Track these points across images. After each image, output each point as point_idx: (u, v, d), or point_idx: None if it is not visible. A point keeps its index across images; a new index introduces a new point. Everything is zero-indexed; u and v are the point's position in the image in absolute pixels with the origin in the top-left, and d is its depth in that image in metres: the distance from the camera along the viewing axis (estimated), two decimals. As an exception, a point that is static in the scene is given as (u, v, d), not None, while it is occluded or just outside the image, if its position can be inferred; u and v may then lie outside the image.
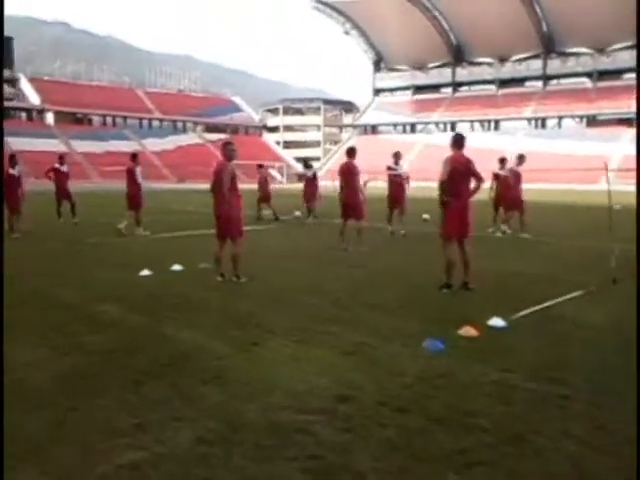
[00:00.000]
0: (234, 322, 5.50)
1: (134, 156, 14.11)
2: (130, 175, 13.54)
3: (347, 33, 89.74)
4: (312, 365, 4.28)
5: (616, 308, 6.16)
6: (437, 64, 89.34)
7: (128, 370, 4.20)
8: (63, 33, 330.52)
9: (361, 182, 10.88)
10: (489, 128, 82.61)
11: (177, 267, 8.35)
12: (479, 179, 6.92)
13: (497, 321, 5.44)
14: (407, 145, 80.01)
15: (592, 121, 73.94)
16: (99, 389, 3.85)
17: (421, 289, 7.16)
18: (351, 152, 10.87)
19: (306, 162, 18.66)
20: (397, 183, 13.26)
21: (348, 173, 10.52)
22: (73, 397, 3.72)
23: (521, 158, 13.77)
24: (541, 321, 5.66)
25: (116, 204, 24.18)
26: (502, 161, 14.38)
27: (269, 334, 5.10)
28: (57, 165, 16.19)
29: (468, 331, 5.11)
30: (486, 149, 72.12)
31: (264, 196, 17.21)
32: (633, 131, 66.32)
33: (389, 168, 13.38)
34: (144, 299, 6.45)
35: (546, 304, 6.24)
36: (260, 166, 18.48)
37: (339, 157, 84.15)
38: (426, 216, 16.97)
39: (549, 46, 79.85)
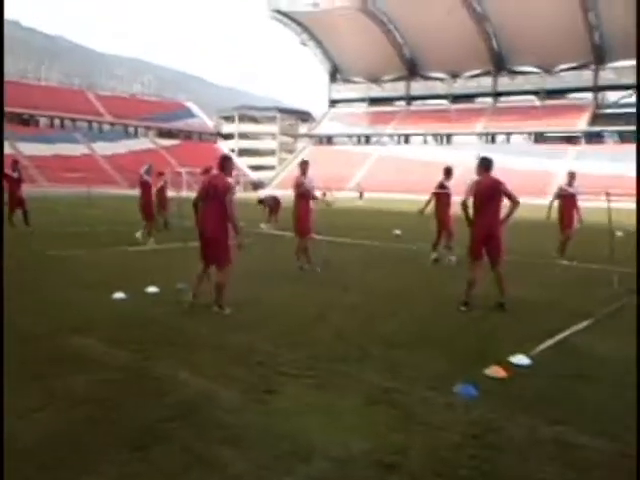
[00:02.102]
0: (234, 360, 4.90)
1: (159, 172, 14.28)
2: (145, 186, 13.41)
3: (304, 44, 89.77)
4: (342, 420, 3.75)
5: (628, 338, 5.91)
6: (392, 77, 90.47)
7: (126, 427, 3.56)
8: (11, 31, 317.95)
9: (317, 194, 10.46)
10: (442, 142, 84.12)
11: (152, 289, 7.65)
12: (513, 201, 6.98)
13: (521, 359, 5.07)
14: (361, 156, 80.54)
15: (539, 138, 76.33)
16: (92, 458, 3.18)
17: (422, 316, 6.74)
18: (304, 165, 10.16)
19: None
20: (445, 204, 11.53)
21: (296, 187, 9.93)
22: (57, 473, 3.04)
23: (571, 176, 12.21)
24: (560, 357, 5.33)
25: (67, 211, 23.03)
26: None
27: (279, 376, 4.53)
28: (9, 171, 15.06)
29: (496, 372, 4.71)
30: (439, 162, 73.39)
31: (162, 203, 16.26)
32: (577, 148, 68.88)
33: (441, 186, 11.67)
34: (125, 330, 5.74)
35: (560, 336, 5.93)
36: (161, 174, 16.97)
37: (294, 167, 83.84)
38: (397, 232, 16.69)
39: (499, 64, 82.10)
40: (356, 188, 52.18)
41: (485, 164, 7.25)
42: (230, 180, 6.72)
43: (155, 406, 3.89)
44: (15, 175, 15.06)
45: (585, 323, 6.51)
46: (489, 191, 7.00)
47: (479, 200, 7.04)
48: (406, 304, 7.45)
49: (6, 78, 76.43)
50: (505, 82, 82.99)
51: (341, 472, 3.08)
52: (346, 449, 3.34)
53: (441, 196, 11.41)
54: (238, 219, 6.53)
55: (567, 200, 11.84)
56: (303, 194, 9.78)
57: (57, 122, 76.64)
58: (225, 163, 6.80)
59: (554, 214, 11.89)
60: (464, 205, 7.11)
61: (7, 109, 70.84)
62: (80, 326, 5.82)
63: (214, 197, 6.45)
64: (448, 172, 11.79)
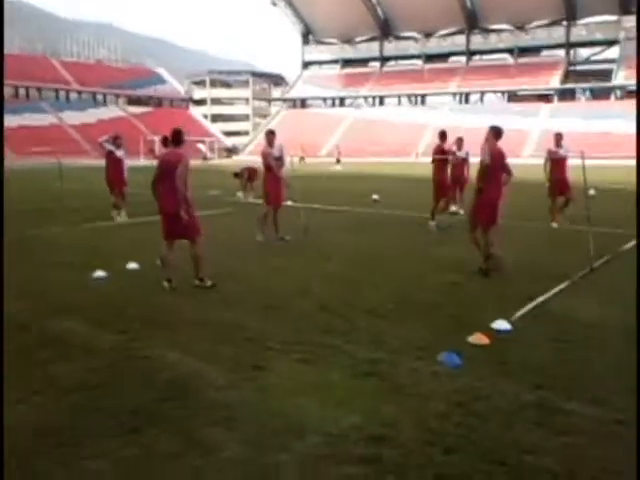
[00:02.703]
0: (221, 337, 4.92)
1: (117, 137, 13.06)
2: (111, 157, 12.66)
3: (274, 4, 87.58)
4: (332, 395, 3.81)
5: (605, 301, 6.09)
6: (365, 38, 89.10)
7: (118, 411, 3.58)
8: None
9: (287, 163, 10.22)
10: (416, 102, 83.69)
11: (133, 265, 7.59)
12: (509, 172, 7.34)
13: (502, 324, 5.19)
14: (336, 119, 79.85)
15: (513, 97, 76.39)
16: (87, 443, 3.21)
17: (405, 284, 6.83)
18: (270, 135, 9.88)
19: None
20: (459, 165, 13.15)
21: (263, 159, 9.79)
22: (53, 458, 3.06)
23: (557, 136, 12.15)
24: (540, 321, 5.48)
25: (39, 186, 22.46)
26: None
27: (267, 352, 4.57)
28: None
29: (479, 339, 4.81)
30: (414, 123, 73.25)
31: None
32: (551, 106, 69.22)
33: (452, 153, 12.81)
34: (109, 310, 5.71)
35: (539, 300, 6.07)
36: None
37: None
38: (376, 196, 16.72)
39: (472, 22, 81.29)
40: (335, 151, 51.51)
41: (500, 133, 7.63)
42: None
43: (146, 388, 3.90)
44: None
45: (562, 285, 6.66)
46: (502, 161, 7.28)
47: (493, 170, 7.25)
48: (388, 272, 7.52)
49: (-35, 46, 73.34)
50: (478, 40, 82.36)
51: (335, 447, 3.15)
52: (338, 424, 3.41)
53: (440, 162, 11.41)
54: (186, 191, 6.41)
55: (559, 163, 11.67)
56: (270, 165, 9.69)
57: (22, 92, 74.20)
58: (176, 137, 6.66)
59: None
60: (482, 172, 7.30)
61: (-32, 79, 68.29)
62: (62, 309, 5.77)
63: (169, 173, 6.36)
64: (443, 135, 11.78)
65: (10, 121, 64.04)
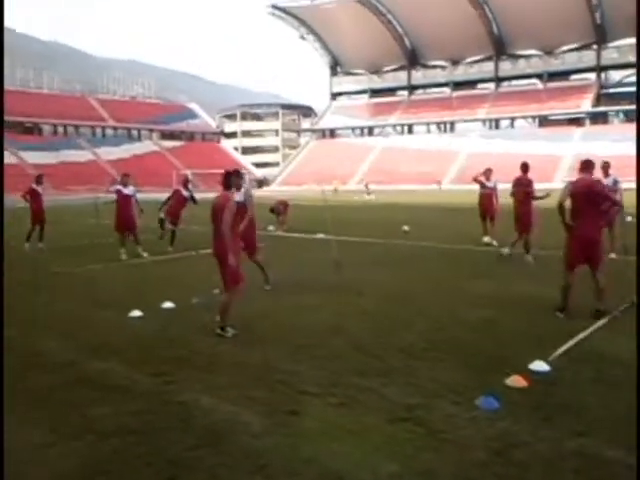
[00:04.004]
0: (255, 380, 4.93)
1: (124, 175, 13.11)
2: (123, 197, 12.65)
3: (303, 38, 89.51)
4: (369, 441, 3.76)
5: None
6: (392, 67, 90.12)
7: (155, 458, 3.60)
8: (6, 39, 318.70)
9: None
10: (445, 130, 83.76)
11: (168, 304, 7.69)
12: (613, 203, 6.96)
13: (540, 365, 5.07)
14: (365, 148, 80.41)
15: (543, 121, 75.85)
16: (127, 491, 3.24)
17: (438, 320, 6.75)
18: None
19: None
20: (487, 196, 13.51)
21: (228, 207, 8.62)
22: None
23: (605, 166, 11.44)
24: (580, 360, 5.32)
25: (76, 221, 23.08)
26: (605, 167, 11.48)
27: (301, 395, 4.55)
28: (34, 185, 15.05)
29: (517, 381, 4.71)
30: (443, 151, 73.17)
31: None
32: (583, 130, 68.42)
33: (481, 184, 13.65)
34: (145, 351, 5.78)
35: (578, 337, 5.92)
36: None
37: (298, 162, 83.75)
38: (406, 228, 16.67)
39: (500, 48, 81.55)
40: (363, 185, 51.99)
41: (583, 165, 6.99)
42: (235, 195, 6.51)
43: (181, 434, 3.92)
44: (40, 189, 15.06)
45: (603, 321, 6.49)
46: (590, 194, 6.69)
47: (578, 204, 6.73)
48: (421, 308, 7.45)
49: (7, 87, 76.66)
50: (507, 66, 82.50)
51: (371, 500, 3.10)
52: (375, 472, 3.36)
53: (522, 194, 11.14)
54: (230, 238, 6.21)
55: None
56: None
57: (60, 129, 76.98)
58: (225, 180, 6.53)
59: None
60: (560, 208, 6.78)
61: (9, 118, 71.24)
62: (100, 348, 5.87)
63: (217, 217, 6.30)
64: (525, 167, 11.40)
65: (50, 158, 66.41)
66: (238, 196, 7.90)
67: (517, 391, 4.57)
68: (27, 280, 10.02)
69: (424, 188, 57.97)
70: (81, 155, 70.66)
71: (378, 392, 4.60)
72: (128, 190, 12.76)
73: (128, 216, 12.67)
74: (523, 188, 11.12)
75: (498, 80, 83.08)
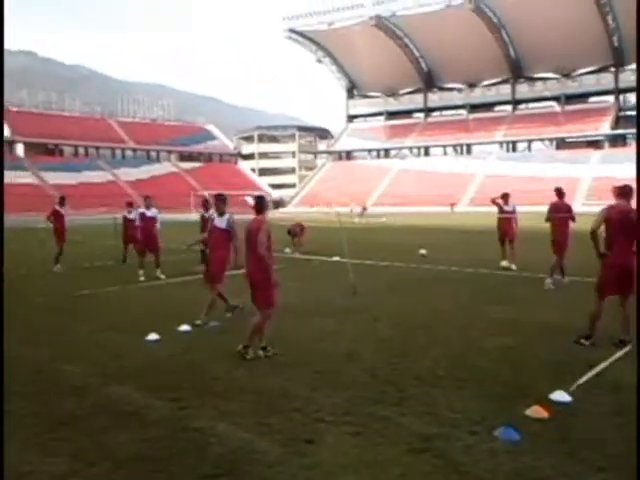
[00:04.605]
0: (271, 407, 4.89)
1: (146, 197, 13.49)
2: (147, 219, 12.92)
3: (320, 61, 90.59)
4: (386, 473, 3.71)
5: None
6: (409, 90, 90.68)
7: (170, 487, 3.58)
8: (29, 62, 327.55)
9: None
10: (462, 152, 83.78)
11: (185, 327, 7.71)
12: None
13: (561, 395, 4.98)
14: (381, 170, 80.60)
15: (561, 144, 75.57)
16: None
17: (456, 347, 6.67)
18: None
19: (129, 203, 16.77)
20: (506, 220, 13.54)
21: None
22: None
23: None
24: (602, 391, 5.22)
25: (94, 243, 23.32)
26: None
27: (317, 424, 4.51)
28: (57, 207, 15.34)
29: (537, 412, 4.62)
30: (460, 173, 73.07)
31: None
32: (602, 152, 67.98)
33: (500, 208, 13.72)
34: (161, 376, 5.79)
35: (599, 367, 5.81)
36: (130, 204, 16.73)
37: (314, 184, 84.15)
38: (423, 251, 16.59)
39: (517, 71, 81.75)
40: (360, 207, 53.01)
41: (620, 190, 6.70)
42: (263, 219, 6.45)
43: (197, 462, 3.90)
44: (63, 211, 15.33)
45: (625, 350, 6.37)
46: (626, 221, 6.43)
47: (613, 232, 6.52)
48: (438, 335, 7.38)
49: (30, 110, 78.45)
50: (524, 89, 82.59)
51: (389, 535, 3.05)
52: (392, 508, 3.31)
53: (558, 219, 11.02)
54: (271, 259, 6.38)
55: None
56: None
57: (81, 151, 78.36)
58: (258, 204, 6.61)
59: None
60: (594, 235, 6.59)
61: (32, 140, 72.79)
62: (116, 373, 5.88)
63: (251, 240, 6.34)
64: (560, 192, 11.35)
65: (70, 179, 67.48)
66: (220, 222, 7.97)
67: (538, 422, 4.48)
68: (47, 305, 10.13)
69: (438, 210, 57.84)
70: (101, 176, 71.73)
71: (395, 421, 4.55)
72: (151, 212, 12.98)
73: (151, 238, 12.83)
74: (563, 214, 11.00)
75: (515, 103, 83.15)
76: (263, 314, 6.41)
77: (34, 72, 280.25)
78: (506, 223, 13.47)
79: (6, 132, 71.34)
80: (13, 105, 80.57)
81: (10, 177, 62.82)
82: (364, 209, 52.56)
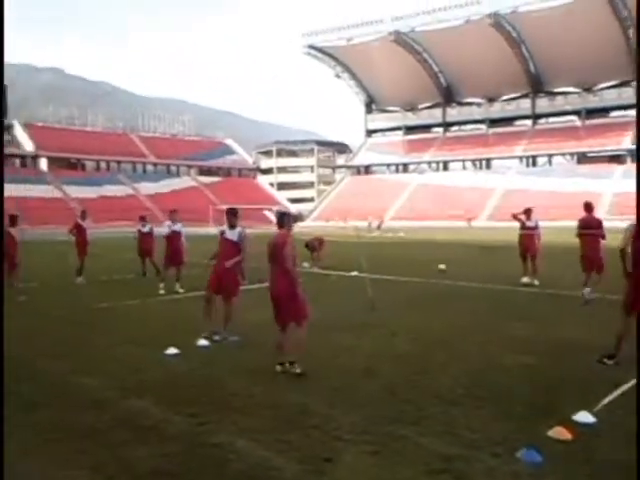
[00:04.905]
0: (289, 423, 4.87)
1: (172, 211, 13.55)
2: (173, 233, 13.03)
3: (338, 76, 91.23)
4: (405, 494, 3.67)
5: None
6: (427, 105, 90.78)
7: (188, 504, 3.57)
8: (56, 79, 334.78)
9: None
10: (481, 167, 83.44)
11: (203, 342, 7.73)
12: None
13: (585, 416, 4.88)
14: (400, 185, 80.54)
15: (582, 158, 74.85)
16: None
17: (476, 365, 6.58)
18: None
19: (142, 217, 17.06)
20: (528, 235, 13.35)
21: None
22: None
23: None
24: (627, 412, 5.08)
25: (114, 256, 23.57)
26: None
27: (335, 442, 4.48)
28: (79, 221, 15.65)
29: (560, 433, 4.53)
30: (479, 187, 72.67)
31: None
32: (624, 167, 67.09)
33: (522, 224, 13.59)
34: (180, 390, 5.80)
35: (623, 388, 5.68)
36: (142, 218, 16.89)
37: (332, 198, 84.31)
38: (442, 266, 16.48)
39: (537, 86, 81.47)
40: (376, 222, 53.53)
41: None
42: (287, 233, 6.48)
43: (216, 479, 3.89)
44: (85, 224, 15.64)
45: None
46: None
47: (638, 246, 6.39)
48: (457, 352, 7.30)
49: (54, 125, 79.99)
50: (544, 104, 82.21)
51: None
52: (411, 530, 3.25)
53: (587, 235, 10.93)
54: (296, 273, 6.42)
55: None
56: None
57: (103, 165, 79.60)
58: (280, 219, 6.66)
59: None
60: (622, 253, 6.53)
61: (55, 154, 74.15)
62: (135, 387, 5.91)
63: (276, 255, 6.36)
64: (588, 207, 11.26)
65: (91, 192, 68.48)
66: (231, 235, 8.07)
67: (561, 444, 4.39)
68: (66, 317, 10.24)
69: (457, 225, 57.54)
70: (121, 190, 72.67)
71: (413, 440, 4.49)
72: (177, 226, 13.14)
73: (177, 251, 12.96)
74: (594, 231, 10.88)
75: (535, 117, 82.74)
76: (302, 326, 6.38)
77: (60, 88, 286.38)
78: (528, 239, 13.34)
79: (30, 147, 72.85)
80: (38, 120, 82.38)
81: (33, 191, 64.05)
82: (381, 222, 52.83)
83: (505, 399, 5.45)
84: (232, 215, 8.21)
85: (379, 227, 50.48)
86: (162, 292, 12.56)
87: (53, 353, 7.41)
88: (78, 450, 4.37)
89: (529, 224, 13.47)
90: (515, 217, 13.81)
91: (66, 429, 4.81)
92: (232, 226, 8.13)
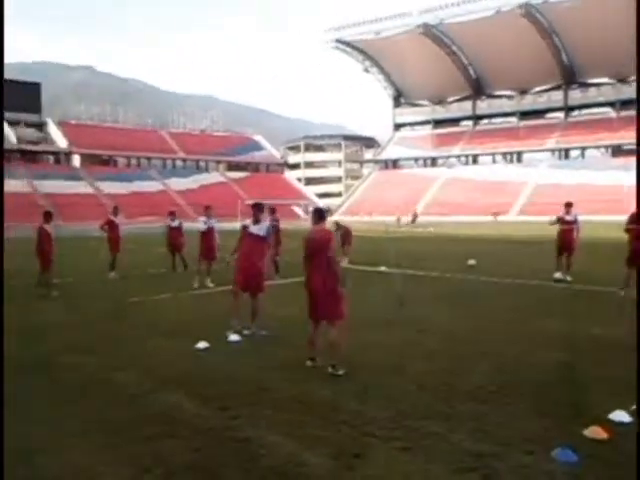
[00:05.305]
0: (320, 418, 4.89)
1: (207, 207, 13.82)
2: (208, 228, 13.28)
3: (366, 70, 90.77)
4: (436, 492, 3.65)
5: None
6: (457, 98, 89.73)
7: (221, 497, 3.61)
8: (87, 77, 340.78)
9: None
10: (511, 160, 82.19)
11: (234, 337, 7.79)
12: None
13: (621, 415, 4.78)
14: (428, 179, 79.85)
15: (617, 151, 73.02)
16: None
17: (507, 362, 6.50)
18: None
19: (171, 212, 17.39)
20: (568, 230, 13.10)
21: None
22: None
23: None
24: (664, 411, 4.98)
25: (145, 250, 23.93)
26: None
27: (366, 437, 4.48)
28: (111, 217, 15.96)
29: (596, 432, 4.45)
30: (510, 181, 71.60)
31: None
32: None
33: (561, 219, 13.38)
34: (211, 385, 5.86)
35: (661, 386, 5.54)
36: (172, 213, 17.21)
37: (360, 193, 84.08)
38: (472, 261, 16.30)
39: (570, 77, 79.76)
40: (410, 215, 53.26)
41: None
42: (329, 229, 6.51)
43: (246, 474, 3.93)
44: (117, 220, 15.94)
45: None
46: None
47: None
48: (489, 348, 7.22)
49: (86, 122, 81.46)
50: (577, 95, 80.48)
51: None
52: (443, 527, 3.24)
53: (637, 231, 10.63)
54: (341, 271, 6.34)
55: None
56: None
57: (134, 161, 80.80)
58: (318, 214, 6.55)
59: None
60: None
61: (88, 151, 75.58)
62: (168, 381, 5.99)
63: (318, 251, 6.27)
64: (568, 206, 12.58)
65: (122, 188, 69.56)
66: (257, 229, 8.01)
67: (597, 443, 4.31)
68: (100, 311, 10.43)
69: (487, 220, 56.83)
70: (152, 186, 73.64)
71: (444, 437, 4.46)
72: (212, 222, 13.37)
73: (211, 247, 13.18)
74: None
75: (568, 109, 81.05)
76: (338, 326, 6.26)
77: (91, 86, 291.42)
78: (567, 234, 13.02)
79: (64, 144, 74.35)
80: (71, 118, 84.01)
81: (67, 187, 65.40)
82: (415, 216, 52.43)
83: (538, 396, 5.37)
84: (258, 209, 8.17)
85: (413, 221, 50.13)
86: (196, 286, 12.74)
87: (87, 347, 7.56)
88: (113, 442, 4.46)
89: (568, 218, 13.18)
90: (557, 220, 13.46)
91: (101, 421, 4.91)
92: (257, 221, 8.12)
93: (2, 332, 5.35)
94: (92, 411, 5.17)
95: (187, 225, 17.54)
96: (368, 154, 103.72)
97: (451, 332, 8.16)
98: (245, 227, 8.17)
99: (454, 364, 6.51)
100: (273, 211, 14.60)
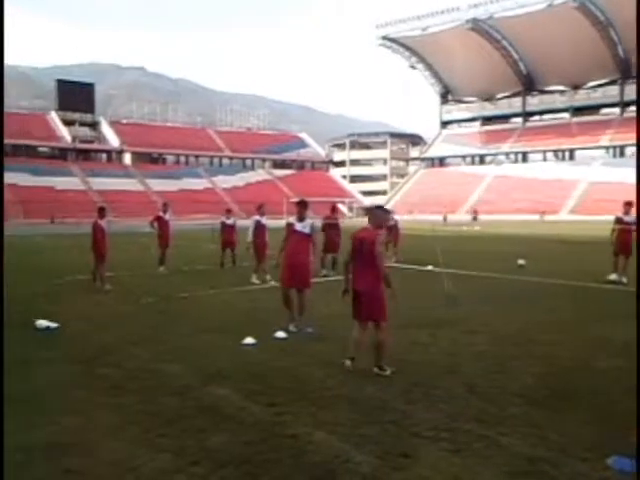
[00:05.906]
0: (367, 416, 4.85)
1: (260, 205, 13.95)
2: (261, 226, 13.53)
3: (413, 67, 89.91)
4: (488, 496, 3.56)
5: None
6: (506, 94, 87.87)
7: (268, 493, 3.63)
8: (138, 77, 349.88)
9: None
10: (563, 158, 79.92)
11: (281, 334, 7.83)
12: None
13: (683, 424, 4.55)
14: (476, 177, 78.46)
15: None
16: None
17: (561, 366, 6.31)
18: (299, 206, 8.17)
19: (228, 209, 17.94)
20: (626, 231, 12.63)
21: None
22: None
23: None
24: None
25: (193, 245, 24.41)
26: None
27: (414, 438, 4.42)
28: (161, 213, 16.31)
29: (655, 441, 4.25)
30: (561, 180, 69.59)
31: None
32: None
33: (619, 219, 12.94)
34: (258, 380, 5.91)
35: None
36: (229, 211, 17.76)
37: (405, 191, 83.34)
38: (522, 261, 15.91)
39: (626, 71, 76.87)
40: (470, 211, 52.49)
41: None
42: (380, 232, 6.27)
43: (293, 470, 3.93)
44: (166, 217, 16.28)
45: None
46: None
47: None
48: (542, 352, 7.01)
49: (137, 122, 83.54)
50: (633, 90, 77.40)
51: None
52: (495, 533, 3.15)
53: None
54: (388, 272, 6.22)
55: None
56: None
57: (182, 159, 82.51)
58: (371, 216, 6.42)
59: None
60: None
61: (138, 150, 77.58)
62: (215, 375, 6.06)
63: (363, 251, 6.15)
64: (629, 205, 12.52)
65: (171, 186, 71.04)
66: (302, 227, 8.07)
67: (656, 453, 4.12)
68: (152, 305, 10.66)
69: (536, 219, 55.40)
70: (199, 183, 75.07)
71: (495, 441, 4.35)
72: (264, 220, 13.58)
73: (263, 244, 13.48)
74: None
75: (624, 105, 78.18)
76: (383, 327, 6.14)
77: (142, 86, 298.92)
78: (626, 234, 12.54)
79: (116, 142, 76.56)
80: (122, 117, 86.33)
81: (119, 184, 67.27)
82: (475, 214, 51.83)
83: (594, 402, 5.19)
84: (302, 207, 8.18)
85: (475, 219, 49.55)
86: (256, 282, 13.07)
87: (137, 340, 7.74)
88: (161, 434, 4.54)
89: (627, 219, 12.67)
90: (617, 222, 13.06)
91: (150, 413, 5.01)
92: (301, 218, 8.12)
93: (2, 328, 5.47)
94: (140, 402, 5.27)
95: (240, 223, 17.77)
96: (414, 152, 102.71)
97: (501, 333, 7.97)
98: (290, 225, 8.19)
99: (505, 366, 6.36)
100: (334, 209, 14.74)
